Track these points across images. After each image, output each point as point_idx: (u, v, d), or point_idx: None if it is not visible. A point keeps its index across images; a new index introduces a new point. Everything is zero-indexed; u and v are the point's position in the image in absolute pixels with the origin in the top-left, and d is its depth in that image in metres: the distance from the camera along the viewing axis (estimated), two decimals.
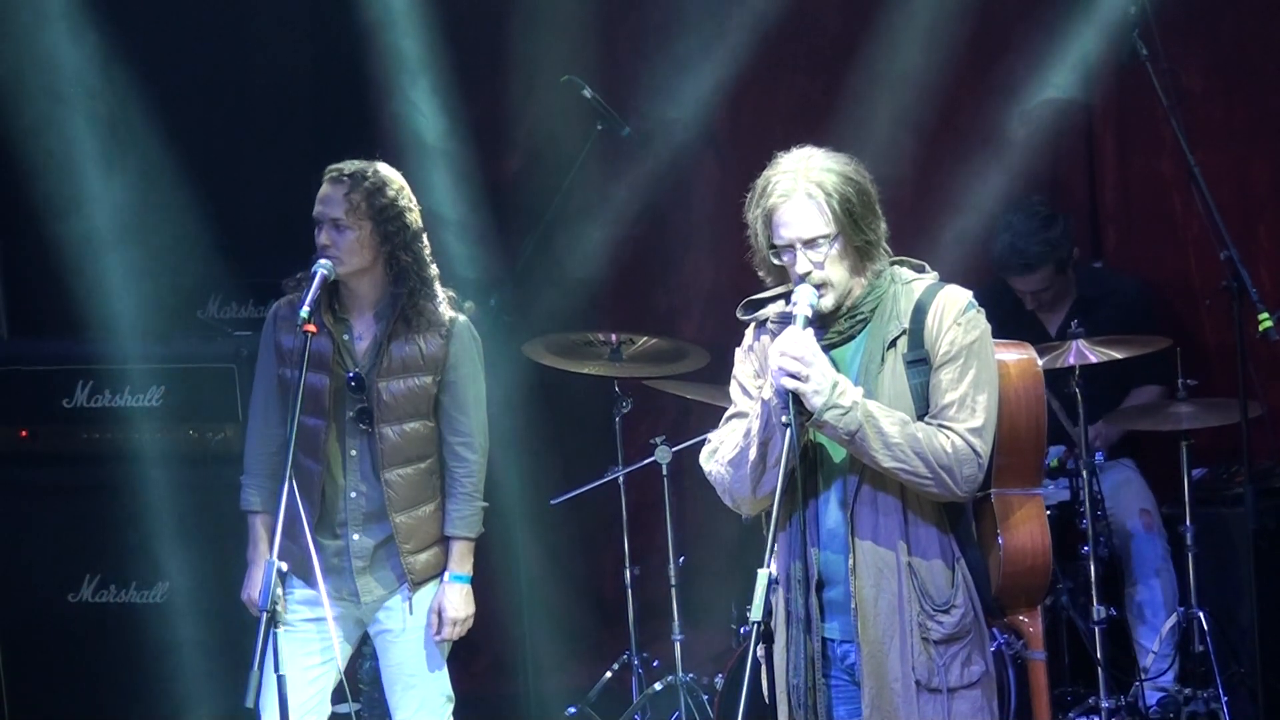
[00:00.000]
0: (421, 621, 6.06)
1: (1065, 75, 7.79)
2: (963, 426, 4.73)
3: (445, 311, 6.06)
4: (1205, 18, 7.84)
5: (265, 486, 6.11)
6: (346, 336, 6.02)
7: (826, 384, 4.69)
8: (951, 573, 4.80)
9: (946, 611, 4.78)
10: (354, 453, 6.02)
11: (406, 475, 6.02)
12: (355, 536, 6.02)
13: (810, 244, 4.77)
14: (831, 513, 4.82)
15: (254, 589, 6.08)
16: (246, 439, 6.20)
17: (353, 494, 6.02)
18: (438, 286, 6.08)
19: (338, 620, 6.04)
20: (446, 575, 6.07)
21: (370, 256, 5.98)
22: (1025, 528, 4.88)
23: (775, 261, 4.84)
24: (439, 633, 6.04)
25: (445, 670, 6.11)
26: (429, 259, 6.06)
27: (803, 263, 4.78)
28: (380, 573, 6.05)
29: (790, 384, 4.70)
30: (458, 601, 6.06)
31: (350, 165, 6.03)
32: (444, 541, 6.09)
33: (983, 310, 4.84)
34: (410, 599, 6.05)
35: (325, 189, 6.00)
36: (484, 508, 6.13)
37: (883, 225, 4.86)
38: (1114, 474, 7.51)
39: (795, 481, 4.75)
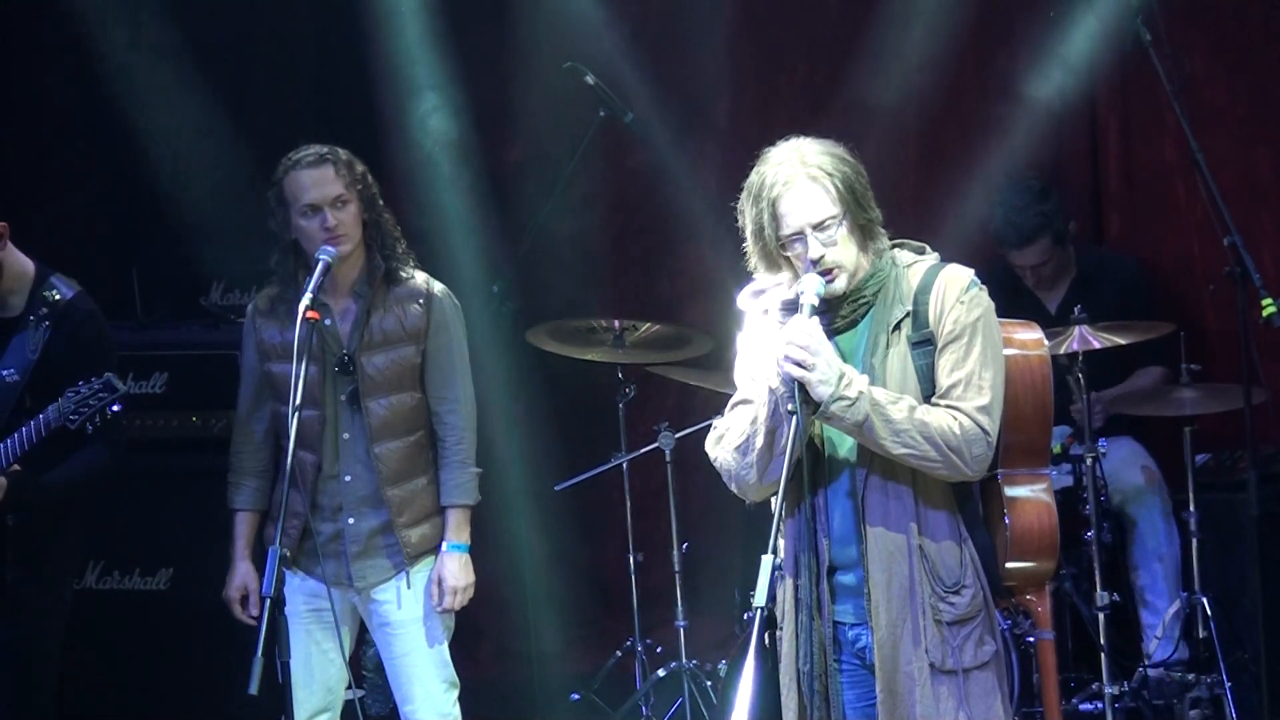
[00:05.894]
0: (420, 611, 6.07)
1: (1068, 60, 7.78)
2: (970, 405, 4.73)
3: (422, 280, 6.09)
4: (1208, 2, 7.84)
5: (250, 484, 6.17)
6: (329, 321, 6.02)
7: (833, 374, 4.69)
8: (960, 553, 4.81)
9: (957, 592, 4.79)
10: (346, 436, 6.04)
11: (396, 449, 6.04)
12: (350, 520, 6.04)
13: (820, 227, 4.77)
14: (840, 500, 4.82)
15: (233, 587, 6.15)
16: (233, 437, 6.22)
17: (347, 478, 6.03)
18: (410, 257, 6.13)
19: (332, 608, 6.06)
20: (444, 545, 6.09)
21: (360, 231, 6.01)
22: (1032, 508, 4.89)
23: (784, 254, 4.84)
24: (440, 603, 6.05)
25: (448, 656, 6.12)
26: (396, 226, 6.12)
27: (814, 247, 4.77)
28: (376, 559, 6.07)
29: (796, 373, 4.69)
30: (456, 570, 6.07)
31: (317, 147, 6.05)
32: (440, 515, 6.11)
33: (985, 288, 4.85)
34: (408, 573, 6.06)
35: (311, 174, 5.98)
36: (478, 474, 6.13)
37: (876, 206, 4.87)
38: (1116, 450, 7.50)
39: (802, 469, 4.76)
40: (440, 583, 6.05)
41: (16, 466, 5.99)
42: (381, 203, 6.10)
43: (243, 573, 6.15)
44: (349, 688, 6.17)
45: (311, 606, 6.02)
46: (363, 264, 6.06)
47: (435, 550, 6.10)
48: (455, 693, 6.14)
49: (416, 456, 6.09)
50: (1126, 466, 7.56)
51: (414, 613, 6.07)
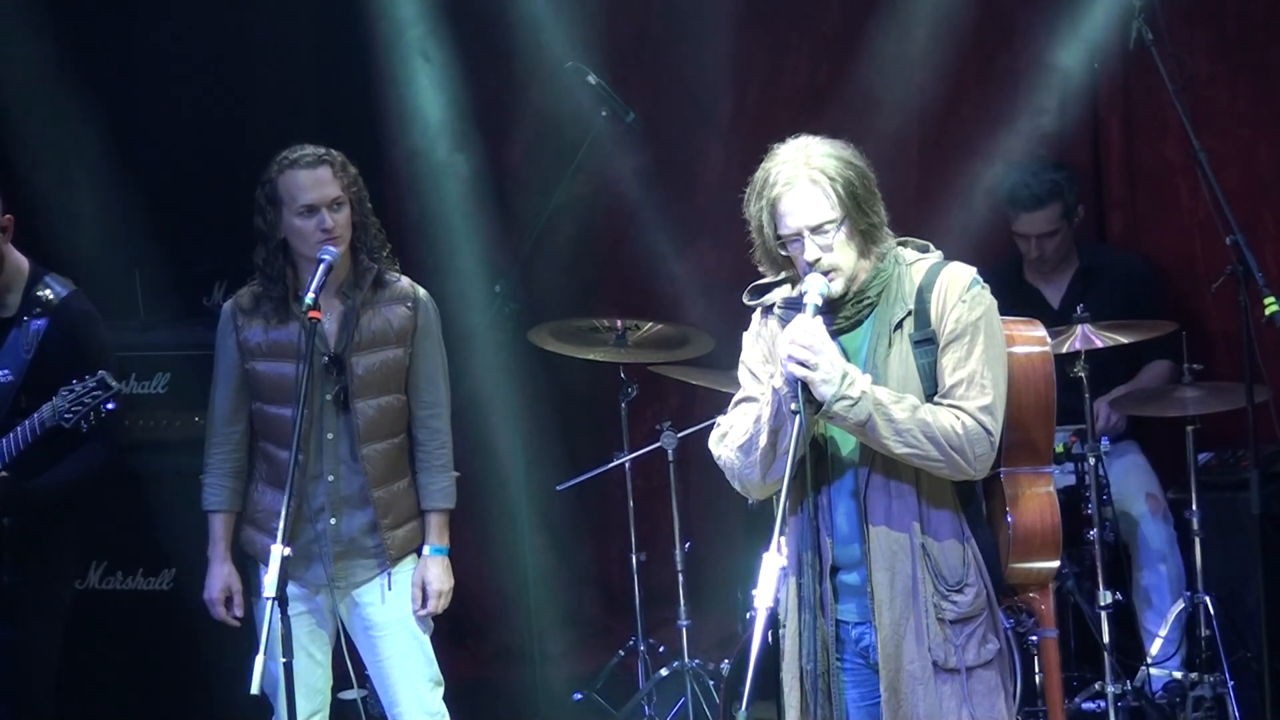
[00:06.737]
0: (403, 612, 6.08)
1: (1070, 60, 7.78)
2: (973, 405, 4.74)
3: (407, 284, 6.13)
4: (1210, 2, 7.83)
5: (226, 485, 6.15)
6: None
7: (836, 374, 4.70)
8: (963, 552, 4.82)
9: (960, 591, 4.80)
10: (330, 435, 6.03)
11: (382, 450, 6.05)
12: (332, 521, 6.04)
13: (817, 230, 4.78)
14: (843, 499, 4.83)
15: (216, 589, 6.14)
16: (206, 438, 6.20)
17: (330, 478, 6.03)
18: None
19: (314, 611, 6.05)
20: (426, 549, 6.11)
21: (350, 232, 6.03)
22: (1035, 507, 4.90)
23: (782, 253, 4.85)
24: (424, 606, 6.06)
25: (432, 654, 6.13)
26: (381, 230, 6.14)
27: (811, 250, 4.78)
28: (359, 559, 6.07)
29: (799, 372, 4.70)
30: (440, 574, 6.10)
31: (313, 147, 6.05)
32: (418, 518, 6.12)
33: (987, 287, 4.85)
34: (390, 574, 6.06)
35: (310, 174, 5.98)
36: (456, 478, 6.15)
37: (882, 208, 4.87)
38: (1120, 459, 7.52)
39: (805, 468, 4.76)
40: (425, 586, 6.07)
41: (4, 473, 5.98)
42: (369, 205, 6.10)
43: (224, 574, 6.14)
44: (349, 689, 6.16)
45: (296, 610, 6.00)
46: (350, 265, 6.07)
47: (414, 552, 6.12)
48: (440, 690, 6.15)
49: (399, 458, 6.11)
50: (1130, 493, 7.54)
51: (398, 613, 6.08)
